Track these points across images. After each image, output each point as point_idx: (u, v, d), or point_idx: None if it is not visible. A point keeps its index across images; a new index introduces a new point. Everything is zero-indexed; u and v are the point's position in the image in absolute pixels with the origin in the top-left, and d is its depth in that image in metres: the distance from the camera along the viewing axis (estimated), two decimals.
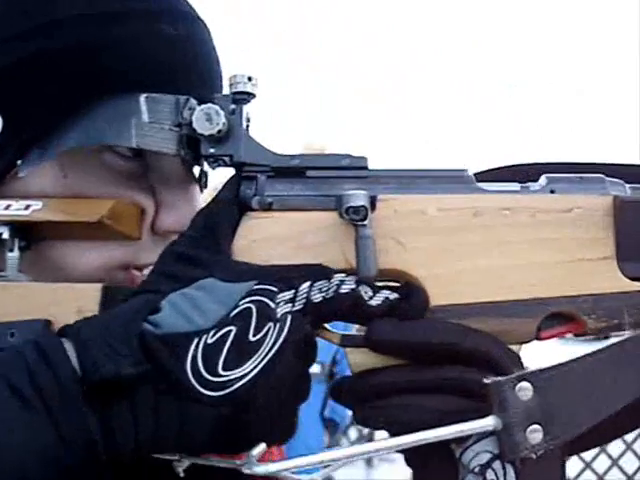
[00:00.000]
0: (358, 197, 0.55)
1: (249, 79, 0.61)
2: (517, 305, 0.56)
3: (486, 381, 0.51)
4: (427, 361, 0.53)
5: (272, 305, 0.52)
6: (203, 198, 0.68)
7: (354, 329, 0.58)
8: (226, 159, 0.60)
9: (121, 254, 0.65)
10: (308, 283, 0.53)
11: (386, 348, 0.54)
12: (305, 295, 0.53)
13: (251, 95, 0.61)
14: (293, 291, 0.53)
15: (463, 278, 0.56)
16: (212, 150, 0.59)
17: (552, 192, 0.58)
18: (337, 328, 0.58)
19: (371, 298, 0.54)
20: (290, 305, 0.52)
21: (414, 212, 0.57)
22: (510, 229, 0.57)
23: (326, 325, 0.57)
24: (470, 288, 0.56)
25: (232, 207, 0.57)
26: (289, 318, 0.52)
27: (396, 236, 0.57)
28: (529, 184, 0.59)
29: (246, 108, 0.61)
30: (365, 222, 0.54)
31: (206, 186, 0.70)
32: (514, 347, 0.56)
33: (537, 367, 0.51)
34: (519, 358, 0.54)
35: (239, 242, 0.57)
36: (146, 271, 0.67)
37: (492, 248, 0.56)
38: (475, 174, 0.60)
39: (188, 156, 0.61)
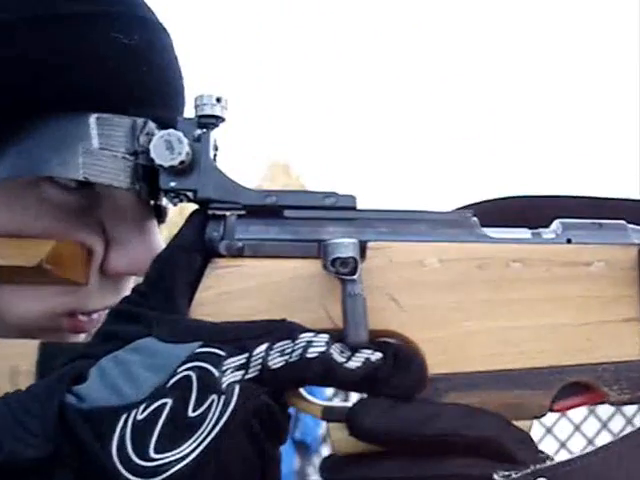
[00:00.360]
0: (346, 247, 0.46)
1: (217, 100, 0.52)
2: (530, 374, 0.48)
3: (496, 478, 0.43)
4: (424, 450, 0.45)
5: (216, 373, 0.43)
6: (163, 236, 0.59)
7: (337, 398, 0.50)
8: (189, 194, 0.51)
9: (66, 300, 0.56)
10: (265, 345, 0.44)
11: (373, 438, 0.45)
12: (260, 360, 0.44)
13: (220, 119, 0.52)
14: (246, 355, 0.44)
15: (468, 342, 0.48)
16: (173, 184, 0.50)
17: (569, 241, 0.50)
18: None
19: (348, 360, 0.45)
20: (241, 372, 0.43)
21: (412, 263, 0.49)
22: (521, 285, 0.49)
23: (303, 393, 0.48)
24: (476, 354, 0.48)
25: (193, 254, 0.48)
26: (236, 389, 0.43)
27: (390, 291, 0.48)
28: (541, 230, 0.51)
29: (214, 134, 0.52)
30: (354, 277, 0.46)
31: (164, 221, 0.61)
32: (525, 423, 0.48)
33: (554, 461, 0.43)
34: (532, 442, 0.46)
35: (203, 295, 0.49)
36: (95, 315, 0.58)
37: (500, 307, 0.48)
38: (459, 209, 0.52)
39: (144, 190, 0.52)
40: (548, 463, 0.43)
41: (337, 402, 0.49)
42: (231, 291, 0.49)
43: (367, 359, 0.45)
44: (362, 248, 0.48)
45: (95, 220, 0.56)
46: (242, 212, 0.51)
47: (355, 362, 0.45)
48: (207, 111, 0.51)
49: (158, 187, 0.51)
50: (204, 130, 0.51)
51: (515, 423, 0.47)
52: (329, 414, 0.48)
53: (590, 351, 0.48)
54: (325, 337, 0.44)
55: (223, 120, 0.52)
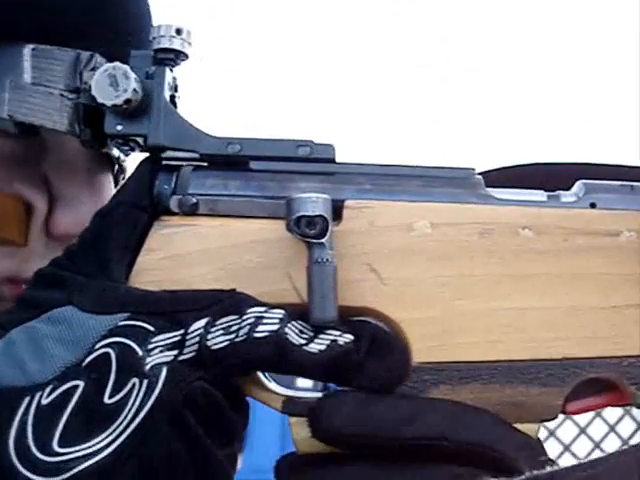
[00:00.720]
0: (314, 203, 0.38)
1: (177, 32, 0.44)
2: (539, 367, 0.39)
3: None
4: (403, 456, 0.36)
5: (139, 352, 0.35)
6: None
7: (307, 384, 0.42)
8: (139, 140, 0.43)
9: (4, 264, 0.48)
10: (204, 321, 0.36)
11: (340, 442, 0.37)
12: (198, 339, 0.36)
13: (180, 55, 0.44)
14: (181, 332, 0.36)
15: (462, 325, 0.39)
16: (120, 127, 0.42)
17: (593, 206, 0.41)
18: None
19: (309, 341, 0.36)
20: (173, 352, 0.35)
21: (398, 227, 0.40)
22: (532, 257, 0.40)
23: (262, 379, 0.40)
24: (472, 340, 0.39)
25: (136, 210, 0.40)
26: (164, 372, 0.35)
27: (370, 260, 0.40)
28: (559, 193, 0.42)
29: (174, 72, 0.44)
30: (322, 240, 0.38)
31: (122, 176, 0.53)
32: (530, 426, 0.39)
33: (556, 468, 0.35)
34: (538, 448, 0.38)
35: (146, 258, 0.40)
36: None
37: (505, 284, 0.39)
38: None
39: (86, 134, 0.45)
40: (548, 469, 0.34)
41: (303, 392, 0.41)
42: (180, 255, 0.41)
43: (333, 341, 0.36)
44: (338, 207, 0.40)
45: (38, 173, 0.48)
46: (199, 163, 0.43)
47: (318, 344, 0.36)
48: (164, 44, 0.43)
49: (104, 132, 0.43)
50: (159, 66, 0.43)
51: (518, 426, 0.38)
52: (292, 407, 0.39)
53: (615, 341, 0.39)
54: (279, 313, 0.36)
55: (185, 57, 0.44)
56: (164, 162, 0.43)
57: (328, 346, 0.36)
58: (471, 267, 0.39)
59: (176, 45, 0.43)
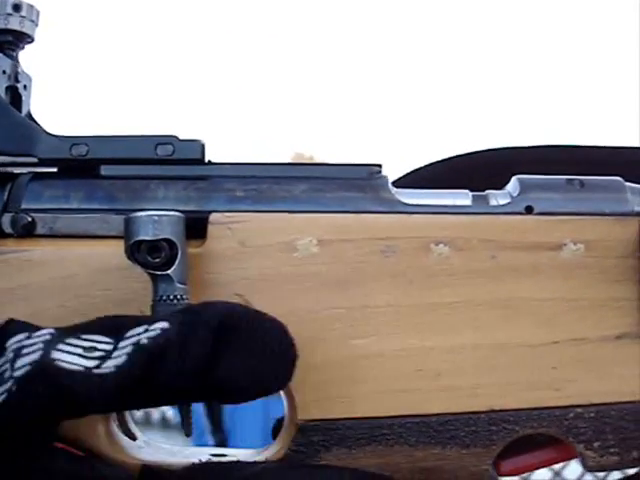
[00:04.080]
0: (156, 222, 0.29)
1: (15, 8, 0.35)
2: (458, 422, 0.30)
3: None
4: None
5: None
6: None
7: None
8: None
9: None
10: None
11: None
12: None
13: (23, 36, 0.35)
14: None
15: (360, 371, 0.31)
16: None
17: (529, 210, 0.32)
18: None
19: (105, 360, 0.26)
20: None
21: (276, 246, 0.31)
22: (448, 280, 0.31)
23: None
24: (372, 390, 0.31)
25: None
26: None
27: (242, 291, 0.31)
28: (488, 193, 0.33)
29: (18, 60, 0.36)
30: (168, 271, 0.29)
31: None
32: None
33: None
34: None
35: None
36: None
37: (413, 316, 0.31)
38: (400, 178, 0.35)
39: None
40: None
41: (164, 456, 0.32)
42: (9, 289, 0.32)
43: (135, 344, 0.25)
44: (201, 223, 0.31)
45: None
46: (39, 169, 0.34)
47: (115, 360, 0.25)
48: None
49: None
50: None
51: None
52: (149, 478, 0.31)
53: (556, 387, 0.30)
54: (47, 333, 0.26)
55: (29, 39, 0.36)
56: (1, 171, 0.35)
57: (129, 354, 0.25)
58: (370, 296, 0.31)
59: (13, 25, 0.35)
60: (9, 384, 0.25)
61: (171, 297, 0.29)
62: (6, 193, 0.34)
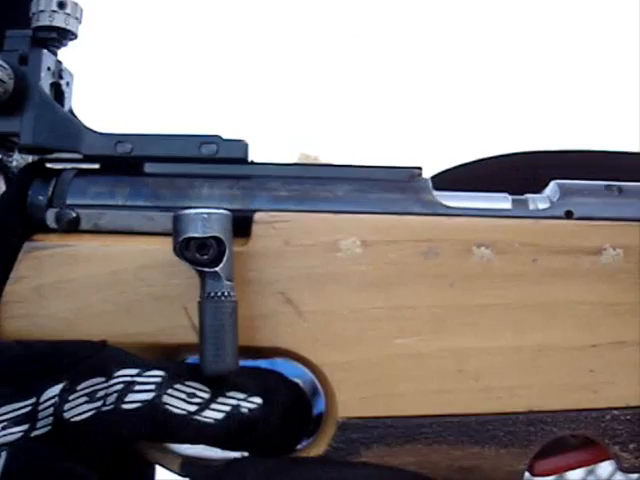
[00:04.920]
0: (206, 220, 0.30)
1: (60, 5, 0.36)
2: (497, 423, 0.31)
3: None
4: None
5: None
6: None
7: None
8: (15, 139, 0.35)
9: None
10: (59, 386, 0.28)
11: None
12: (52, 409, 0.28)
13: (67, 33, 0.36)
14: (32, 400, 0.28)
15: (402, 371, 0.31)
16: None
17: (569, 215, 0.33)
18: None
19: (202, 408, 0.29)
20: (24, 427, 0.28)
21: (320, 246, 0.32)
22: (489, 283, 0.31)
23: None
24: (413, 389, 0.31)
25: (3, 230, 0.33)
26: (3, 456, 0.27)
27: (285, 289, 0.32)
28: (528, 197, 0.33)
29: (57, 56, 0.36)
30: (216, 268, 0.30)
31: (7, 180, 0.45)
32: None
33: None
34: None
35: (15, 288, 0.33)
36: None
37: (455, 317, 0.31)
38: (434, 176, 0.35)
39: None
40: None
41: (205, 452, 0.33)
42: (54, 284, 0.33)
43: (235, 407, 0.29)
44: (246, 221, 0.32)
45: None
46: (83, 166, 0.35)
47: (214, 412, 0.29)
48: (43, 21, 0.35)
49: None
50: (36, 49, 0.35)
51: None
52: (190, 470, 0.32)
53: (594, 389, 0.31)
54: (156, 376, 0.29)
55: (73, 36, 0.36)
56: (48, 166, 0.35)
57: (228, 414, 0.29)
58: (412, 297, 0.31)
59: (58, 22, 0.35)
60: (107, 407, 0.28)
61: (219, 294, 0.29)
62: (51, 188, 0.34)
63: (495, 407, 0.31)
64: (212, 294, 0.29)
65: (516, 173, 0.40)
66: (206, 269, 0.30)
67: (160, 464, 0.32)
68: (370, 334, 0.31)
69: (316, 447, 0.31)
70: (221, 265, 0.30)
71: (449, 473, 0.31)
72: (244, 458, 0.30)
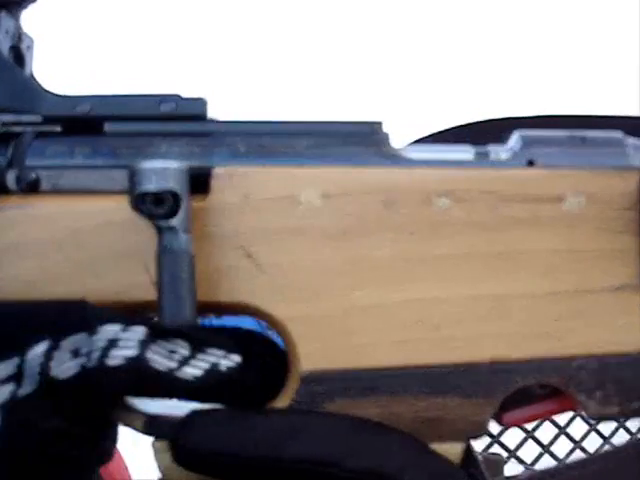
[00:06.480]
0: (161, 174, 0.29)
1: None
2: (461, 373, 0.31)
3: None
4: None
5: None
6: None
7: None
8: None
9: None
10: (44, 345, 0.28)
11: (207, 469, 0.29)
12: (38, 368, 0.28)
13: None
14: (16, 360, 0.28)
15: (363, 322, 0.31)
16: None
17: (531, 163, 0.32)
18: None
19: (182, 365, 0.29)
20: (10, 388, 0.28)
21: (279, 199, 0.32)
22: (450, 232, 0.31)
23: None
24: (375, 341, 0.31)
25: None
26: None
27: (244, 242, 0.31)
28: (490, 149, 0.33)
29: (19, 21, 0.36)
30: (173, 222, 0.29)
31: None
32: (453, 447, 0.31)
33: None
34: (462, 477, 0.30)
35: None
36: None
37: (416, 267, 0.31)
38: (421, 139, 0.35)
39: None
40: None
41: (167, 410, 0.33)
42: (16, 244, 0.33)
43: (214, 365, 0.29)
44: (204, 177, 0.32)
45: None
46: (42, 128, 0.35)
47: (194, 369, 0.29)
48: None
49: None
50: None
51: (438, 447, 0.31)
52: (156, 428, 0.32)
53: (560, 337, 0.31)
54: (139, 332, 0.29)
55: None
56: (3, 129, 0.35)
57: (207, 371, 0.29)
58: (373, 248, 0.31)
59: None
60: (92, 364, 0.28)
61: (175, 247, 0.29)
62: (10, 150, 0.34)
63: (457, 357, 0.31)
64: (169, 247, 0.29)
65: (485, 136, 0.39)
66: (162, 223, 0.29)
67: (122, 422, 0.32)
68: (330, 286, 0.31)
69: (281, 401, 0.31)
70: (177, 217, 0.29)
71: (414, 424, 0.30)
72: (204, 410, 0.30)
